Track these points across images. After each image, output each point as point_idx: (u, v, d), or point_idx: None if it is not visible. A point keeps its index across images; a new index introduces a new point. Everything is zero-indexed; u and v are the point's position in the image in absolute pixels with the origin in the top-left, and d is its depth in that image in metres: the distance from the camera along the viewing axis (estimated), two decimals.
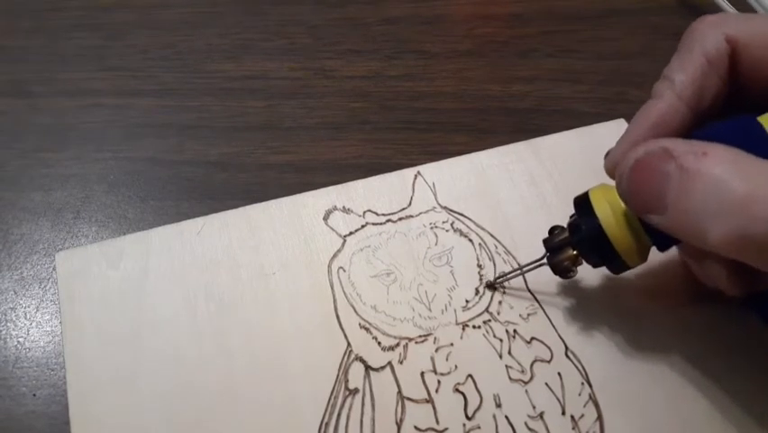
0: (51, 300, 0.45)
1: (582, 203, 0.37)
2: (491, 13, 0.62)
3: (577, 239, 0.37)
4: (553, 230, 0.39)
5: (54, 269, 0.45)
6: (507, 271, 0.43)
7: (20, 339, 0.43)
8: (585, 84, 0.55)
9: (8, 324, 0.44)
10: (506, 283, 0.42)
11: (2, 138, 0.53)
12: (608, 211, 0.35)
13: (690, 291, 0.41)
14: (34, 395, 0.41)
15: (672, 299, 0.42)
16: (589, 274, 0.42)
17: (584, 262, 0.38)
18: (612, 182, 0.35)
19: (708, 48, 0.35)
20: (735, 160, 0.29)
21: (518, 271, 0.42)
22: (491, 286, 0.43)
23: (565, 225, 0.38)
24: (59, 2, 0.63)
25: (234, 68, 0.58)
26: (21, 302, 0.45)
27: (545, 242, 0.39)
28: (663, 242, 0.35)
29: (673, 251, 0.39)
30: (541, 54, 0.58)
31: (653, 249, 0.36)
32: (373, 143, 0.52)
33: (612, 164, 0.36)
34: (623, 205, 0.35)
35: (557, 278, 0.40)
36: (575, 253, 0.38)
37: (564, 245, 0.38)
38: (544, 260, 0.40)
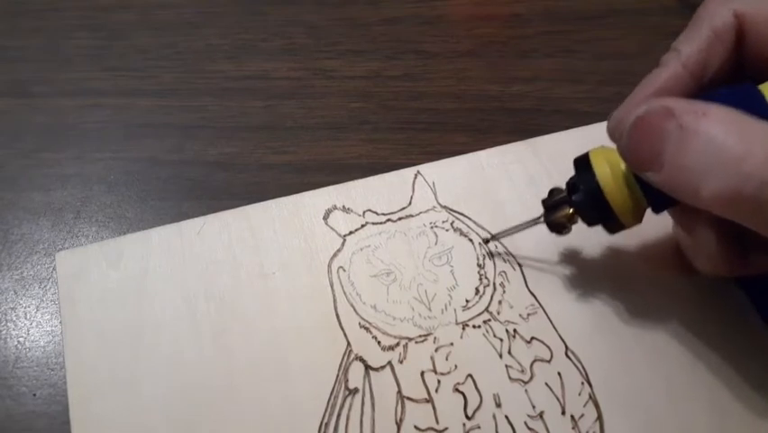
0: (51, 300, 0.45)
1: (582, 162, 0.37)
2: (491, 13, 0.61)
3: (574, 195, 0.38)
4: (551, 192, 0.40)
5: (54, 269, 0.45)
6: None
7: (20, 339, 0.43)
8: (585, 84, 0.55)
9: (8, 324, 0.44)
10: (505, 283, 0.42)
11: (2, 138, 0.53)
12: (607, 170, 0.36)
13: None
14: (34, 395, 0.41)
15: (673, 296, 0.42)
16: (589, 275, 0.42)
17: (579, 221, 0.39)
18: (613, 146, 0.36)
19: (715, 22, 0.35)
20: (733, 120, 0.30)
21: (516, 228, 0.42)
22: (487, 242, 0.43)
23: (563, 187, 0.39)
24: (59, 2, 0.63)
25: (234, 68, 0.58)
26: (21, 302, 0.45)
27: (544, 201, 0.40)
28: (659, 203, 0.36)
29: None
30: (541, 54, 0.58)
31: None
32: (373, 143, 0.52)
33: (615, 123, 0.36)
34: (622, 165, 0.36)
35: (558, 277, 0.40)
36: (571, 211, 0.38)
37: (561, 204, 0.39)
38: (541, 219, 0.40)
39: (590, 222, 0.38)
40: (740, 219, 0.30)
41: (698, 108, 0.31)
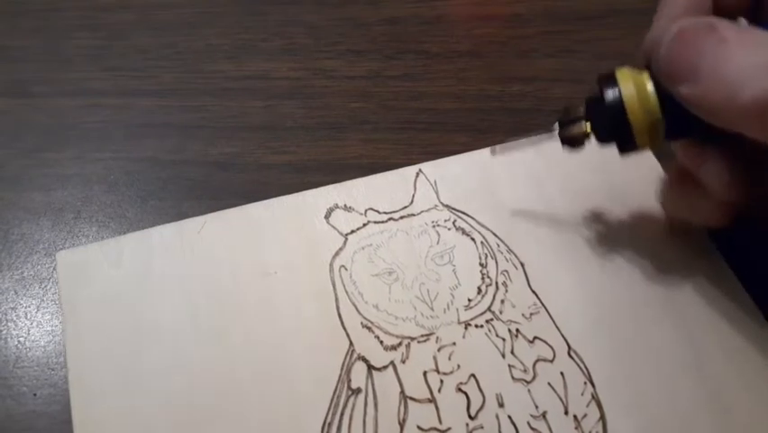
0: (52, 300, 0.45)
1: (607, 78, 0.38)
2: (491, 14, 0.62)
3: (595, 108, 0.39)
4: (566, 110, 0.40)
5: (54, 269, 0.45)
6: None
7: (20, 339, 0.43)
8: (585, 84, 0.55)
9: (9, 324, 0.44)
10: (507, 282, 0.42)
11: (2, 138, 0.53)
12: (632, 87, 0.36)
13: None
14: (35, 395, 0.41)
15: (676, 296, 0.42)
16: (592, 274, 0.42)
17: (593, 139, 0.39)
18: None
19: None
20: None
21: (524, 139, 0.42)
22: (494, 152, 0.44)
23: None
24: (60, 2, 0.63)
25: (234, 68, 0.58)
26: (21, 302, 0.45)
27: (560, 116, 0.40)
28: (678, 128, 0.36)
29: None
30: (540, 54, 0.58)
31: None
32: (373, 143, 0.52)
33: (650, 43, 0.37)
34: (648, 85, 0.36)
35: (560, 278, 0.40)
36: (587, 127, 0.39)
37: (577, 120, 0.39)
38: (554, 133, 0.40)
39: (606, 138, 0.39)
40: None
41: (739, 27, 0.32)
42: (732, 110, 0.31)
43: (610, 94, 0.37)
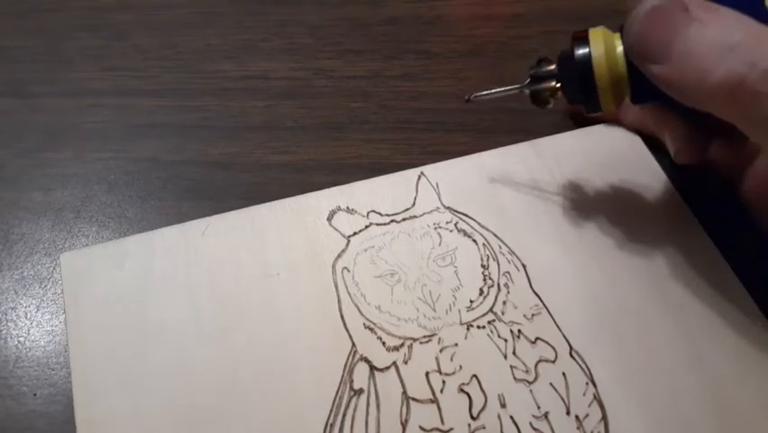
0: (52, 300, 0.45)
1: (580, 37, 0.39)
2: (491, 14, 0.62)
3: (563, 65, 0.40)
4: (540, 61, 0.41)
5: (55, 269, 0.45)
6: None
7: (20, 339, 0.43)
8: None
9: (9, 323, 0.44)
10: (509, 284, 0.42)
11: (2, 138, 0.53)
12: (602, 48, 0.37)
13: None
14: (35, 395, 0.41)
15: (678, 296, 0.42)
16: (593, 275, 0.42)
17: (560, 96, 0.40)
18: None
19: None
20: (743, 17, 0.32)
21: (497, 91, 0.43)
22: (468, 101, 0.44)
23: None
24: (60, 2, 0.63)
25: (234, 68, 0.58)
26: (21, 302, 0.45)
27: (531, 69, 0.41)
28: (642, 94, 0.37)
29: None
30: (541, 54, 0.58)
31: None
32: (373, 143, 0.52)
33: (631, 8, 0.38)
34: (618, 47, 0.37)
35: (561, 279, 0.40)
36: (556, 84, 0.40)
37: (548, 77, 0.40)
38: (526, 86, 0.42)
39: (572, 98, 0.40)
40: (733, 112, 0.32)
41: (711, 6, 0.33)
42: (701, 91, 0.32)
43: (579, 52, 0.38)
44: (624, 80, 0.37)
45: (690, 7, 0.33)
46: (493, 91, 0.43)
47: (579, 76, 0.38)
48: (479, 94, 0.44)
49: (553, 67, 0.40)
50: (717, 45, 0.31)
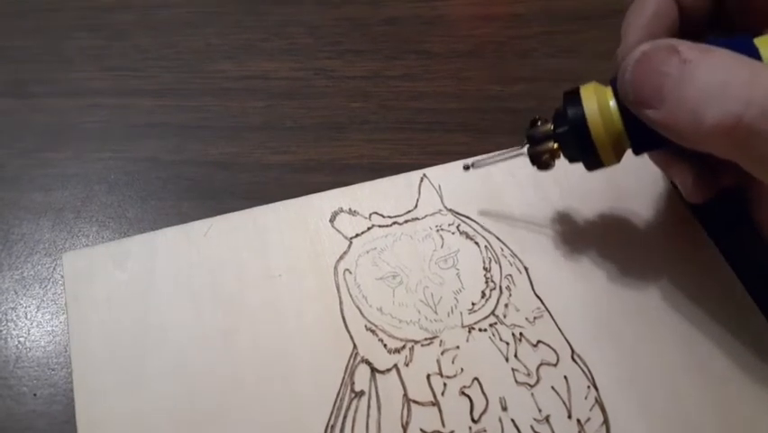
0: (52, 300, 0.45)
1: (571, 95, 0.38)
2: (491, 13, 0.61)
3: (560, 127, 0.39)
4: (535, 121, 0.40)
5: (55, 269, 0.45)
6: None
7: (20, 339, 0.43)
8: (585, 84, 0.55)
9: (9, 324, 0.44)
10: (511, 286, 0.42)
11: (2, 138, 0.53)
12: (595, 105, 0.36)
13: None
14: (35, 395, 0.41)
15: (680, 299, 0.42)
16: (595, 278, 0.42)
17: (561, 156, 0.39)
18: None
19: None
20: (736, 56, 0.31)
21: (498, 156, 0.43)
22: (467, 168, 0.44)
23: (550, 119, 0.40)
24: (60, 2, 0.63)
25: (234, 68, 0.58)
26: (21, 302, 0.45)
27: (528, 131, 0.40)
28: (642, 143, 0.37)
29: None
30: (541, 54, 0.58)
31: None
32: (373, 143, 0.52)
33: (621, 57, 0.38)
34: (610, 102, 0.36)
35: (563, 282, 0.40)
36: (555, 145, 0.39)
37: (546, 138, 0.39)
38: (524, 149, 0.41)
39: (572, 157, 0.39)
40: (733, 152, 0.32)
41: (701, 47, 0.32)
42: (698, 134, 0.31)
43: (572, 112, 0.37)
44: (622, 134, 0.36)
45: (681, 49, 0.32)
46: (493, 155, 0.43)
47: (575, 136, 0.37)
48: (478, 160, 0.44)
49: (549, 126, 0.39)
50: (709, 86, 0.31)
